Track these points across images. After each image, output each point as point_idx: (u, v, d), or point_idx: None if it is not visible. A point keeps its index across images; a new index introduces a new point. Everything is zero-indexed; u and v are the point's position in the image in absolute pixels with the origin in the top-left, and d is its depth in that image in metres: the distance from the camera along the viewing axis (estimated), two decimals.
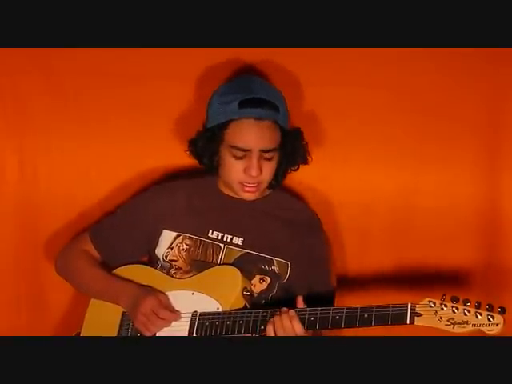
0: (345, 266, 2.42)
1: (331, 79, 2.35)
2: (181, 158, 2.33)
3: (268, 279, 2.16)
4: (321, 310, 1.94)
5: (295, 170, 2.22)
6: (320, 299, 2.08)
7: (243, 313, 2.02)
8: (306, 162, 2.21)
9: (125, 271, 2.20)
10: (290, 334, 1.92)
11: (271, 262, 2.17)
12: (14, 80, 2.39)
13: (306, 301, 1.99)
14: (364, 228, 2.42)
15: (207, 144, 2.14)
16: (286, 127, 2.13)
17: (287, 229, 2.19)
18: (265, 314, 1.99)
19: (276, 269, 2.17)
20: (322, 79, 2.35)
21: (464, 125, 2.36)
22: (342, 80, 2.35)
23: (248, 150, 2.08)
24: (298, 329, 1.92)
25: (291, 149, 2.16)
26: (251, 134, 2.07)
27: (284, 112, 2.11)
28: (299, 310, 1.95)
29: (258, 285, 2.16)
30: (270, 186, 2.20)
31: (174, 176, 2.36)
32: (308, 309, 1.95)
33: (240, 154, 2.08)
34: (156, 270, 2.19)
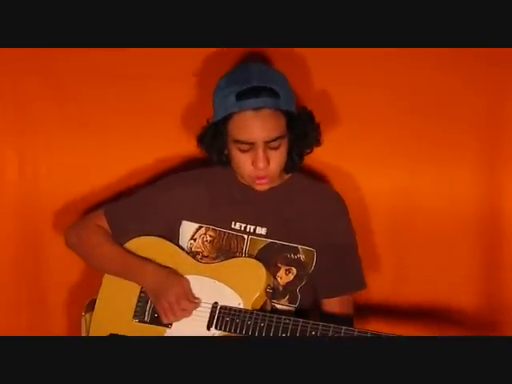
0: None
1: (331, 79, 2.34)
2: (180, 157, 2.34)
3: (294, 270, 2.12)
4: (333, 327, 1.92)
5: (309, 153, 2.16)
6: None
7: (265, 315, 1.99)
8: (318, 143, 2.13)
9: (149, 242, 2.16)
10: None
11: (297, 250, 2.12)
12: (13, 80, 2.39)
13: None
14: (364, 228, 2.42)
15: (213, 140, 2.09)
16: (292, 110, 2.07)
17: (310, 213, 2.14)
18: (287, 321, 1.97)
19: (302, 257, 2.12)
20: (322, 79, 2.35)
21: (464, 125, 2.36)
22: (342, 80, 2.34)
23: (252, 143, 2.03)
24: None
25: (301, 131, 2.09)
26: (252, 127, 2.01)
27: (286, 95, 2.03)
28: (312, 323, 1.94)
29: (284, 277, 2.12)
30: (287, 169, 2.15)
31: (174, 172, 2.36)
32: (321, 324, 1.94)
33: (245, 147, 2.03)
34: (180, 250, 2.14)
